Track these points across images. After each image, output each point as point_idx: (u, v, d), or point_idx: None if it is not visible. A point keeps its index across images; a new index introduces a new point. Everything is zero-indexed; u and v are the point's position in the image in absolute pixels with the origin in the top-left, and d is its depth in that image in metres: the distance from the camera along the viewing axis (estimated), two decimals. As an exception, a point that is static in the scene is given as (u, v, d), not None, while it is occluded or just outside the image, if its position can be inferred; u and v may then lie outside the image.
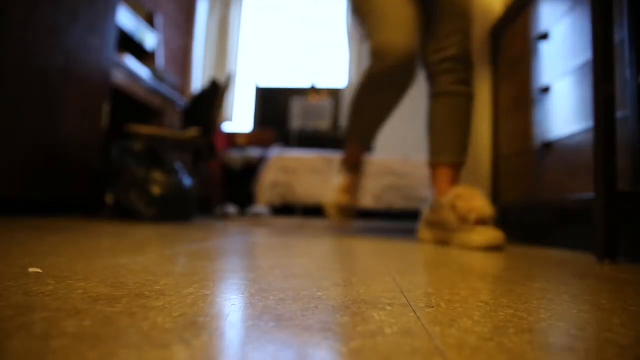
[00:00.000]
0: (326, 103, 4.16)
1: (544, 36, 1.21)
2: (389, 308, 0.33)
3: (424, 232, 1.14)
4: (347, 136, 1.34)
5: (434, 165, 1.20)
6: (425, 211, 1.17)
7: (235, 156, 3.52)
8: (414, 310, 0.32)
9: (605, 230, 0.75)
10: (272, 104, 4.37)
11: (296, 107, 4.17)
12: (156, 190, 1.67)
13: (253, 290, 0.38)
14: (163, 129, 2.47)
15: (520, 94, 1.39)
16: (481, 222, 0.98)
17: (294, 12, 4.54)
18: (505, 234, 0.88)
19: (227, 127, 4.07)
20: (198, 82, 4.10)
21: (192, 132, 2.20)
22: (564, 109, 1.11)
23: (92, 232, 0.92)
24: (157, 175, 1.70)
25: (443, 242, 1.05)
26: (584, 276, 0.56)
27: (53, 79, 1.54)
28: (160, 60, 3.16)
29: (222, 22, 4.23)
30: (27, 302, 0.29)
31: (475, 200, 1.00)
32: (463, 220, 1.00)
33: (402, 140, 3.92)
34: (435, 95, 1.21)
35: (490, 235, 0.92)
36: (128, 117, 2.46)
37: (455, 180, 1.17)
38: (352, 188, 1.40)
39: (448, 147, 1.17)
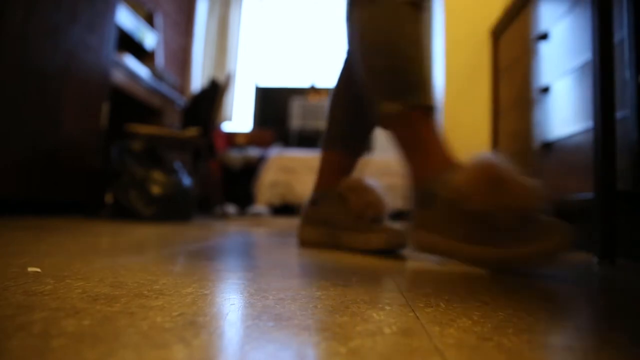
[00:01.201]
0: (326, 103, 4.16)
1: (544, 36, 1.21)
2: (388, 308, 0.33)
3: (306, 232, 0.89)
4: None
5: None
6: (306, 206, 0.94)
7: (234, 156, 3.52)
8: (413, 310, 0.32)
9: (604, 230, 0.75)
10: (272, 103, 4.37)
11: (296, 106, 4.17)
12: (156, 189, 1.67)
13: (252, 289, 0.38)
14: (162, 128, 2.47)
15: (520, 94, 1.39)
16: (377, 219, 0.80)
17: (294, 12, 4.53)
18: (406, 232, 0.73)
19: (227, 127, 4.06)
20: (198, 81, 4.10)
21: (192, 131, 2.21)
22: (563, 109, 1.11)
23: (91, 232, 0.92)
24: (157, 175, 1.70)
25: (329, 244, 0.84)
26: (583, 276, 0.56)
27: (52, 78, 1.54)
28: (160, 60, 3.16)
29: (221, 22, 4.23)
30: (27, 301, 0.29)
31: (369, 194, 0.82)
32: (358, 217, 0.80)
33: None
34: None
35: (389, 234, 0.75)
36: (127, 116, 2.45)
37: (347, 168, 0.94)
38: None
39: None
